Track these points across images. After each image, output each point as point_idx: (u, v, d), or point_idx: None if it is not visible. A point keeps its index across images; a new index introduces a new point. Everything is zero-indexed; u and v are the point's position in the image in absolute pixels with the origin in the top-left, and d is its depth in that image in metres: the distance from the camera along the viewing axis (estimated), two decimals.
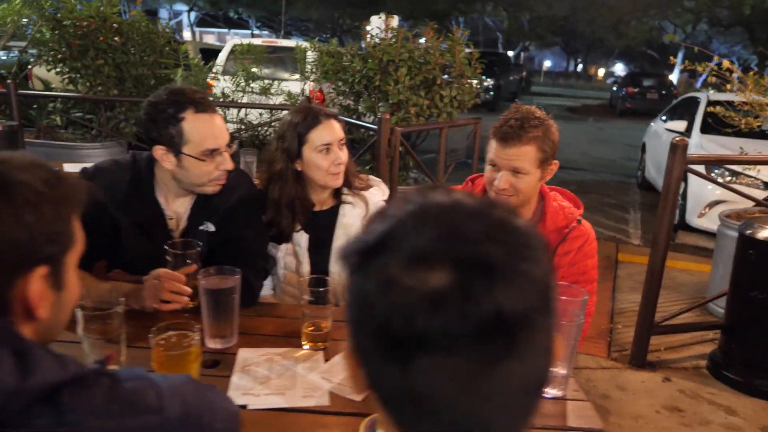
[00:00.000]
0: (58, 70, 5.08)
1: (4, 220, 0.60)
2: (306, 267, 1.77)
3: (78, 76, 4.89)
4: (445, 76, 4.20)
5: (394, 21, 6.21)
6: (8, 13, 5.18)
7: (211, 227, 1.64)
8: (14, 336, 0.60)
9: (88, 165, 1.63)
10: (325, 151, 1.68)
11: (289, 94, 5.67)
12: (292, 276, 1.79)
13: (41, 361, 0.58)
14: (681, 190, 4.82)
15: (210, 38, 33.85)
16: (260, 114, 5.56)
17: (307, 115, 1.71)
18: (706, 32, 27.10)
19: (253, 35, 30.13)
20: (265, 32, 37.49)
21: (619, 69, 42.56)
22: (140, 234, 1.58)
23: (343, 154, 1.72)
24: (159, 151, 1.49)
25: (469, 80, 4.09)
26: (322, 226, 1.79)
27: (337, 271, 1.80)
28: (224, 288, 1.32)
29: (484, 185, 1.79)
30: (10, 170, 0.61)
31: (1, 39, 5.25)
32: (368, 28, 5.21)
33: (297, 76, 6.53)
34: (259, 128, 5.40)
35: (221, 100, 5.47)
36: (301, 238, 1.77)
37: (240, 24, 34.69)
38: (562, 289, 1.48)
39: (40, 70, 5.64)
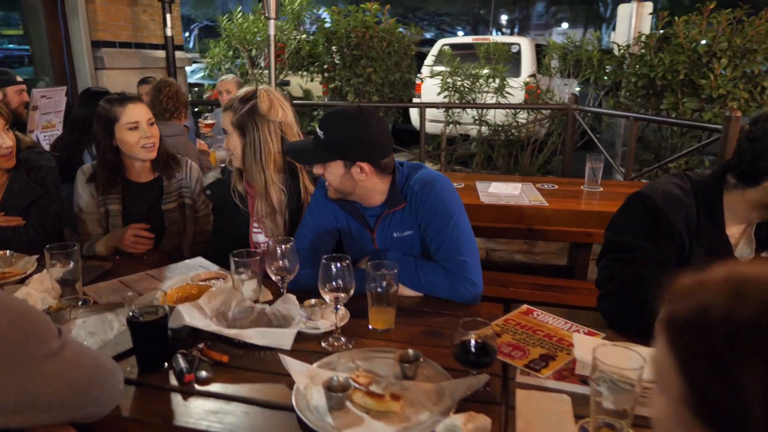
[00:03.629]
0: (320, 79, 5.41)
1: None
2: None
3: (340, 84, 5.13)
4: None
5: (648, 7, 5.78)
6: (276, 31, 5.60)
7: None
8: None
9: (646, 193, 1.53)
10: None
11: (530, 92, 5.53)
12: None
13: None
14: None
15: None
16: (500, 113, 5.48)
17: None
18: None
19: None
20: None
21: None
22: (709, 261, 1.48)
23: None
24: None
25: None
26: None
27: None
28: None
29: None
30: None
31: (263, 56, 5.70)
32: (619, 18, 4.87)
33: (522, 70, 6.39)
34: (515, 129, 5.35)
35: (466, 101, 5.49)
36: None
37: None
38: None
39: (297, 79, 6.09)
